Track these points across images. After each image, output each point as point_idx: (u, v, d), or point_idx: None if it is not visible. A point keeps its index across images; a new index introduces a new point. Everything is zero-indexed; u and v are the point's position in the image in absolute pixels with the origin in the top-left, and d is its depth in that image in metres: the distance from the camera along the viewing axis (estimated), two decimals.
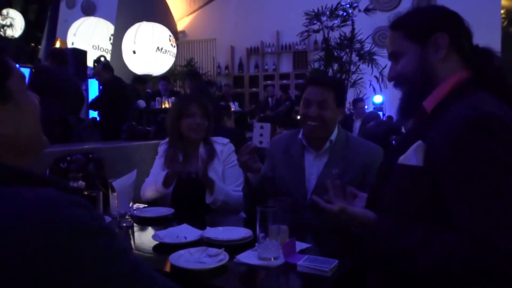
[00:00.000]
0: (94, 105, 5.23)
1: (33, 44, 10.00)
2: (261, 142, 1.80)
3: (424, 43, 1.15)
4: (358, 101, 7.16)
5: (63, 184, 0.75)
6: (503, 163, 0.96)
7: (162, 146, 2.40)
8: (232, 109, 7.10)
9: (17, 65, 0.83)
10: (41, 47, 9.31)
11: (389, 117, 8.18)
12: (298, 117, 1.96)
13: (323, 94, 1.89)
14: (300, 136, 2.01)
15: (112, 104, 4.91)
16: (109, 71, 5.14)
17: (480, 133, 0.98)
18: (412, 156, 1.09)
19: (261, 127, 1.80)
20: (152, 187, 2.23)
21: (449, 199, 1.02)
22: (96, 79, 5.24)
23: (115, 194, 1.89)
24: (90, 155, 2.40)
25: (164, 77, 7.13)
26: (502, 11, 8.51)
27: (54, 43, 7.42)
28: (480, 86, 1.10)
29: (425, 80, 1.16)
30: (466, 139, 0.98)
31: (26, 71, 5.00)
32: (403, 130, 5.22)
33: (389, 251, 1.11)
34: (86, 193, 1.75)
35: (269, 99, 8.72)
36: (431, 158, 1.05)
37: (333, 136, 1.95)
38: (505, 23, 8.63)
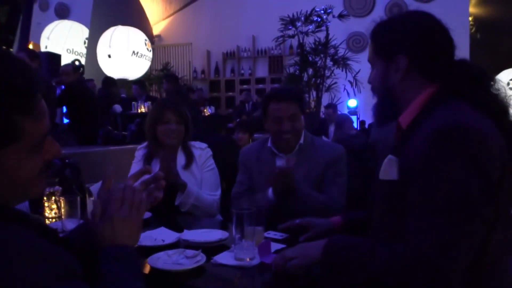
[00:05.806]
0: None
1: (4, 47, 9.76)
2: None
3: (387, 61, 1.20)
4: (326, 107, 7.26)
5: (33, 221, 0.64)
6: (460, 184, 0.97)
7: (140, 151, 2.39)
8: (208, 113, 7.12)
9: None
10: (13, 50, 9.12)
11: (362, 122, 8.31)
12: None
13: (291, 108, 2.01)
14: (269, 144, 2.13)
15: (80, 107, 4.73)
16: (78, 74, 4.95)
17: (443, 145, 1.00)
18: (389, 170, 1.14)
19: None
20: None
21: (406, 208, 1.05)
22: (63, 79, 4.90)
23: (92, 199, 1.90)
24: (67, 160, 2.38)
25: (137, 81, 7.04)
26: (470, 18, 8.80)
27: (26, 46, 7.28)
28: (450, 97, 1.11)
29: (388, 95, 1.22)
30: (431, 151, 1.01)
31: None
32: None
33: (340, 262, 1.12)
34: (62, 198, 1.75)
35: (246, 104, 8.75)
36: (404, 171, 1.09)
37: (302, 140, 2.09)
38: (473, 29, 8.91)
